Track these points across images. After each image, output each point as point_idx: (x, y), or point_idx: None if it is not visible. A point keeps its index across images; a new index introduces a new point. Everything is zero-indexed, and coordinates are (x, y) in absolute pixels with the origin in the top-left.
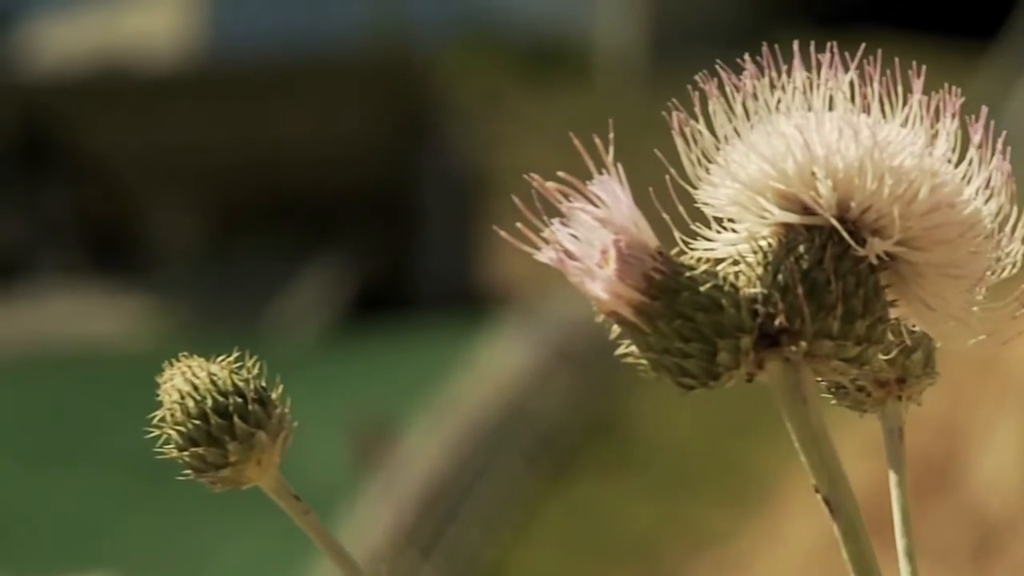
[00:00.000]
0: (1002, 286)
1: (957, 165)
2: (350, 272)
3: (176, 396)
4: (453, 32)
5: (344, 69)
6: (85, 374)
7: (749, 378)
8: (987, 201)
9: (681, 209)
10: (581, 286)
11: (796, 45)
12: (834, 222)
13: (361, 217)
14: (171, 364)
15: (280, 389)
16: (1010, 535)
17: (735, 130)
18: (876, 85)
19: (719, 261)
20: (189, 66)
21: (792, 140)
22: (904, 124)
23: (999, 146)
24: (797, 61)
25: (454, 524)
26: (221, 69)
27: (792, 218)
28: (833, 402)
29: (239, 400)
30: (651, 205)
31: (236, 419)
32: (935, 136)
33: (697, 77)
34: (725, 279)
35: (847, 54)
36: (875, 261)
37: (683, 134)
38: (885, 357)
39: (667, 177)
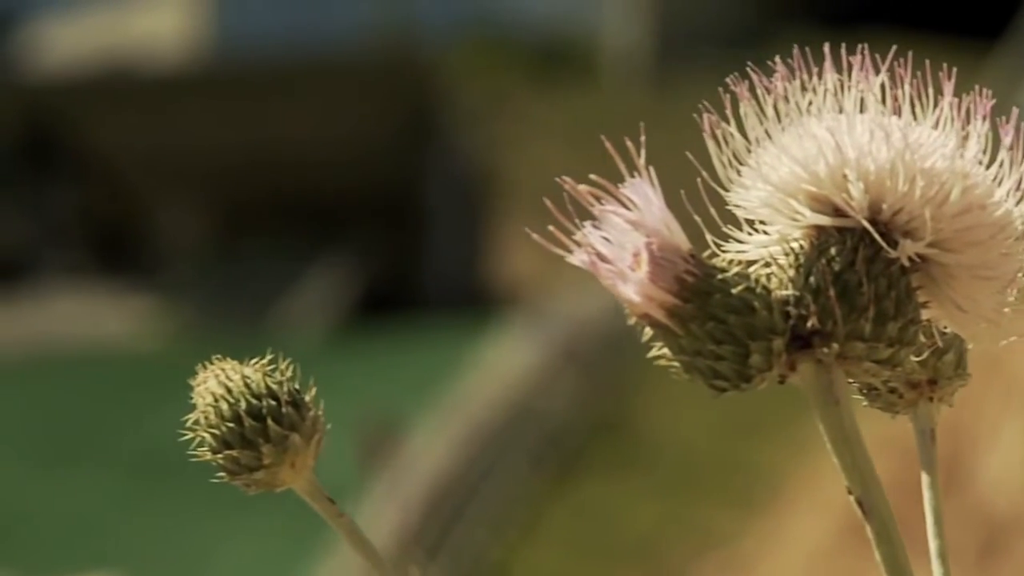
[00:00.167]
0: None
1: (988, 167)
2: (356, 272)
3: (210, 399)
4: (459, 32)
5: (350, 70)
6: (90, 374)
7: (781, 380)
8: (1018, 203)
9: (712, 211)
10: (613, 289)
11: (827, 47)
12: (866, 224)
13: (367, 217)
14: (204, 367)
15: (313, 391)
16: (1016, 535)
17: (766, 132)
18: (907, 87)
19: (751, 263)
20: (195, 67)
21: (824, 142)
22: (935, 126)
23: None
24: (828, 63)
25: (460, 524)
26: (227, 70)
27: (824, 220)
28: (865, 404)
29: (273, 403)
30: (682, 208)
31: (270, 422)
32: (966, 138)
33: (728, 79)
34: (757, 281)
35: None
36: (907, 263)
37: (714, 136)
38: (917, 359)
39: (698, 180)
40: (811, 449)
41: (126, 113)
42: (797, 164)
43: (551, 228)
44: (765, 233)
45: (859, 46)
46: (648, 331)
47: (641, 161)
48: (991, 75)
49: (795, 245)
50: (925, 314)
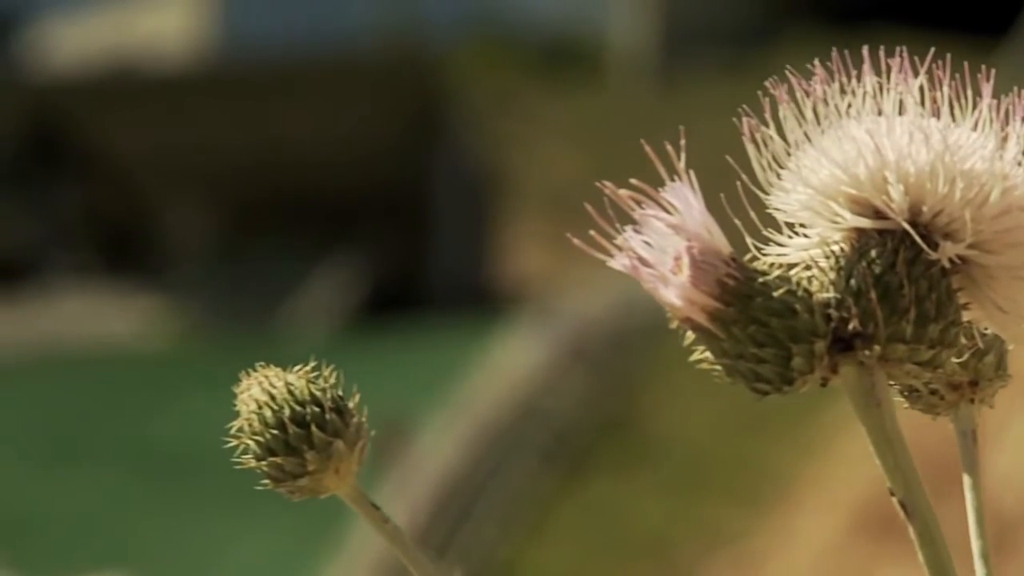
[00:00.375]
0: None
1: None
2: (363, 272)
3: (253, 406)
4: (465, 31)
5: (356, 69)
6: (97, 374)
7: (823, 382)
8: None
9: (752, 215)
10: (655, 293)
11: (866, 49)
12: (906, 226)
13: (374, 217)
14: (248, 374)
15: (357, 398)
16: None
17: (806, 135)
18: (946, 88)
19: (791, 266)
20: (201, 66)
21: (863, 145)
22: (974, 128)
23: None
24: (867, 65)
25: (468, 523)
26: (233, 69)
27: (864, 223)
28: (906, 406)
29: (316, 409)
30: (722, 211)
31: (314, 428)
32: (1005, 139)
33: (767, 82)
34: (798, 284)
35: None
36: (947, 264)
37: (753, 140)
38: (958, 360)
39: (738, 183)
40: (818, 448)
41: (132, 113)
42: (837, 167)
43: (592, 232)
44: (805, 236)
45: (868, 44)
46: (689, 335)
47: (681, 164)
48: (997, 71)
49: (835, 248)
50: (966, 316)
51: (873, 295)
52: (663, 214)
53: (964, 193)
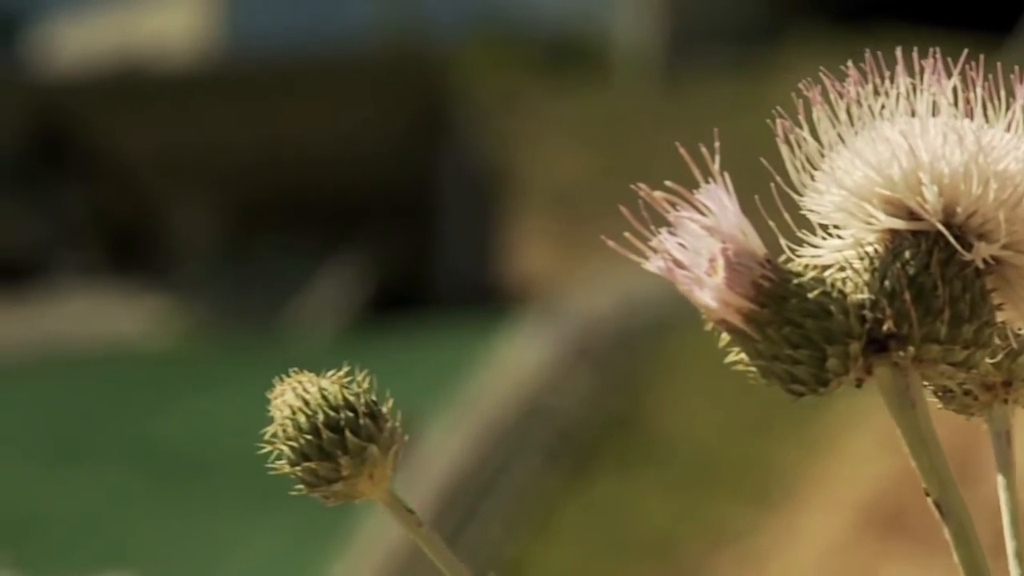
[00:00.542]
0: None
1: None
2: (369, 270)
3: (287, 411)
4: (470, 29)
5: (361, 67)
6: (103, 374)
7: (858, 383)
8: None
9: (787, 216)
10: (690, 295)
11: (899, 51)
12: (940, 227)
13: (379, 215)
14: (281, 380)
15: (391, 403)
16: None
17: (839, 136)
18: (979, 89)
19: (825, 268)
20: (206, 65)
21: (897, 146)
22: (1007, 129)
23: None
24: (900, 67)
25: (474, 521)
26: (238, 68)
27: (898, 224)
28: (939, 407)
29: (350, 414)
30: (757, 213)
31: (348, 433)
32: None
33: (801, 85)
34: (833, 285)
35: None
36: (981, 265)
37: (787, 141)
38: (991, 361)
39: (772, 185)
40: (823, 447)
41: (138, 112)
42: (871, 168)
43: (627, 235)
44: (839, 237)
45: (874, 42)
46: (724, 336)
47: (716, 166)
48: (1003, 70)
49: (869, 249)
50: (1000, 316)
51: (907, 296)
52: (697, 216)
53: (998, 194)
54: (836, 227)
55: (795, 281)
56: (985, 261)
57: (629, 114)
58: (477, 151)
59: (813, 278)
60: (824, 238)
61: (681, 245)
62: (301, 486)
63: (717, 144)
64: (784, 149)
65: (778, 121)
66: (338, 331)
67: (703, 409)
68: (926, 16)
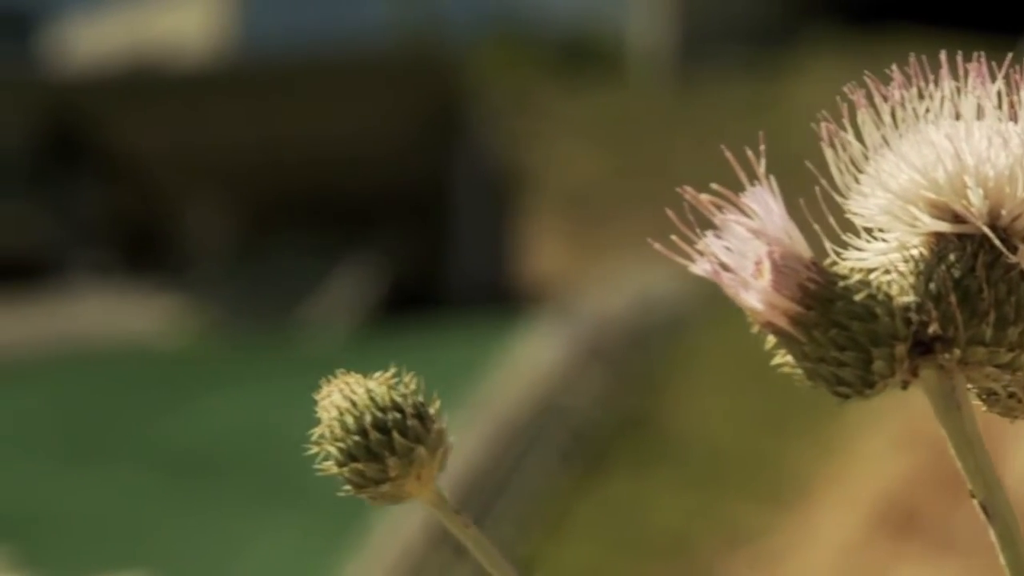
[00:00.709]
0: None
1: None
2: (382, 270)
3: (335, 412)
4: (484, 29)
5: (375, 67)
6: (117, 373)
7: (904, 385)
8: None
9: (831, 220)
10: (736, 297)
11: (944, 54)
12: (986, 230)
13: (393, 215)
14: (328, 381)
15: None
16: None
17: (884, 140)
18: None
19: (870, 271)
20: (220, 64)
21: (942, 149)
22: None
23: None
24: (944, 70)
25: (487, 521)
26: (252, 67)
27: (943, 227)
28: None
29: (397, 415)
30: (801, 216)
31: (395, 434)
32: None
33: (845, 88)
34: (878, 288)
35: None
36: None
37: (832, 144)
38: None
39: (817, 188)
40: (838, 446)
41: (152, 111)
42: (916, 171)
43: (673, 238)
44: (884, 240)
45: (887, 43)
46: (771, 338)
47: (761, 169)
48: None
49: (914, 252)
50: None
51: (953, 299)
52: (744, 219)
53: None
54: (880, 230)
55: (841, 284)
56: None
57: (643, 114)
58: (491, 151)
59: (859, 281)
60: (868, 241)
61: (727, 248)
62: (348, 487)
63: (763, 147)
64: (828, 153)
65: (823, 124)
66: (352, 331)
67: (717, 408)
68: (939, 17)
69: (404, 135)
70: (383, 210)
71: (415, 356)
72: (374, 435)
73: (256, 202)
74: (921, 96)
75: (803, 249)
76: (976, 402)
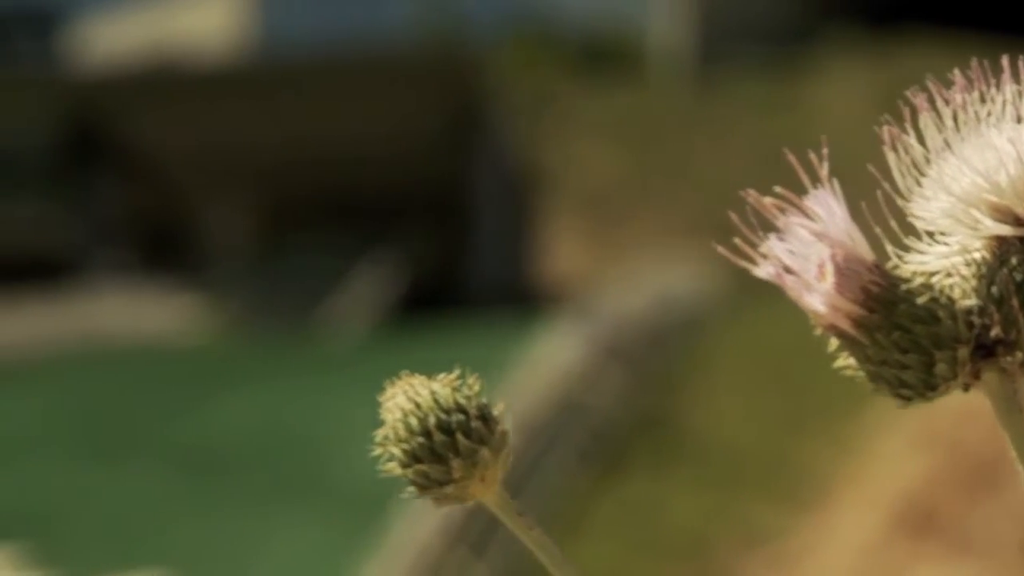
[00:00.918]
0: None
1: None
2: (402, 269)
3: (399, 414)
4: (505, 29)
5: (396, 66)
6: (137, 371)
7: (966, 388)
8: None
9: (893, 223)
10: (799, 300)
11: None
12: None
13: (413, 214)
14: (392, 383)
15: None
16: None
17: (946, 143)
18: None
19: (932, 274)
20: (240, 64)
21: (1005, 153)
22: None
23: None
24: (1007, 74)
25: None
26: (272, 67)
27: (1005, 230)
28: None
29: (461, 417)
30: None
31: (459, 436)
32: None
33: (908, 92)
34: (941, 291)
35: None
36: None
37: (894, 148)
38: None
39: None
40: (857, 446)
41: (172, 110)
42: (979, 175)
43: (736, 240)
44: (945, 244)
45: (905, 43)
46: (834, 341)
47: (824, 172)
48: None
49: (976, 255)
50: None
51: (1015, 302)
52: (807, 222)
53: None
54: (941, 234)
55: (903, 287)
56: None
57: (662, 114)
58: (511, 150)
59: (921, 284)
60: (930, 244)
61: (790, 251)
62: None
63: (825, 151)
64: (890, 156)
65: (885, 128)
66: (371, 329)
67: (735, 408)
68: (956, 18)
69: (424, 135)
70: (403, 209)
71: (434, 355)
72: (438, 436)
73: (275, 201)
74: (983, 100)
75: (866, 252)
76: None
